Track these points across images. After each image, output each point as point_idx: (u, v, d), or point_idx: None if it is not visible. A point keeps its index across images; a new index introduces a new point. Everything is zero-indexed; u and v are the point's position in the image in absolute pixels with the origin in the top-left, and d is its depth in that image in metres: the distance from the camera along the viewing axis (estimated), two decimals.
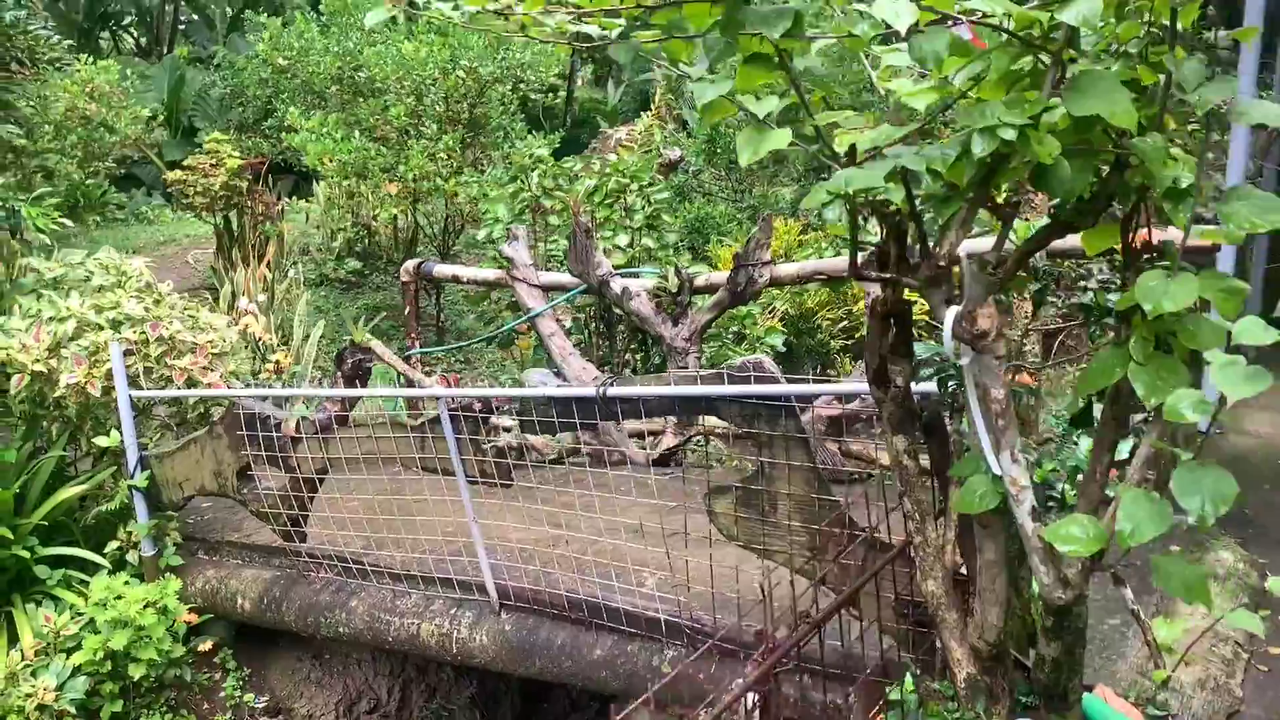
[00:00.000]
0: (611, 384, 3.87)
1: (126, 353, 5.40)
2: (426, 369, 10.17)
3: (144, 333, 5.53)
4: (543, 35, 1.93)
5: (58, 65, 11.15)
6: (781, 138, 1.86)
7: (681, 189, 11.40)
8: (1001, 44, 1.79)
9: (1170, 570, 1.81)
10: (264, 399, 5.10)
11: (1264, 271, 8.25)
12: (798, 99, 1.94)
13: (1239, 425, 6.80)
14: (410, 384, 7.30)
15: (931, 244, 1.87)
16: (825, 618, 2.93)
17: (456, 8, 1.95)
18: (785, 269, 6.36)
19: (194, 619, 5.47)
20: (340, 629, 5.10)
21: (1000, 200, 2.03)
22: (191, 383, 5.55)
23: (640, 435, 6.78)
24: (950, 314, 1.88)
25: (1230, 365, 1.50)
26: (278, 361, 7.82)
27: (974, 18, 1.77)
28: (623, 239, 6.91)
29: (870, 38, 1.71)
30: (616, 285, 6.48)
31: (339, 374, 4.83)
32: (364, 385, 4.87)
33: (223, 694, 5.63)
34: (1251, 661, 4.06)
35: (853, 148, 1.80)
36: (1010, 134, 1.61)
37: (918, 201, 1.89)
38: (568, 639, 4.46)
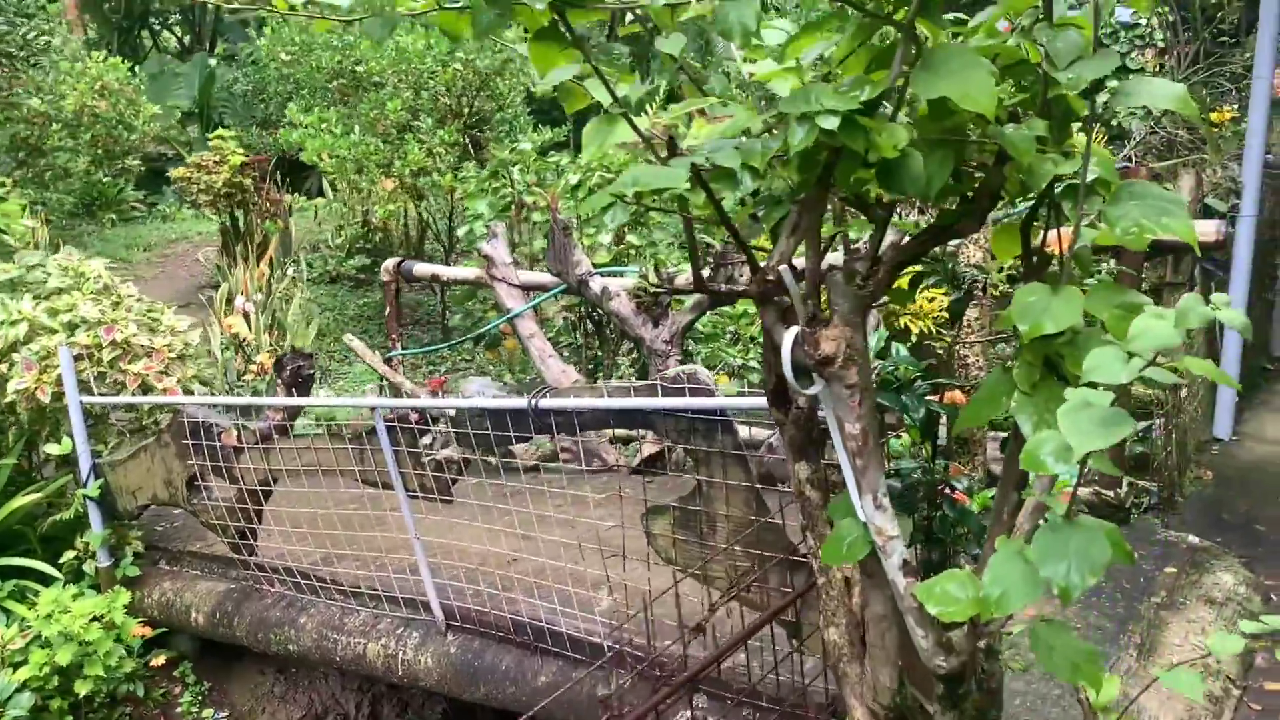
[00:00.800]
0: (544, 395, 3.61)
1: (78, 357, 5.23)
2: (431, 369, 9.99)
3: (97, 336, 5.36)
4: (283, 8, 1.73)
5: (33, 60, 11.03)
6: (627, 130, 1.59)
7: None
8: (853, 16, 1.50)
9: (1051, 643, 1.51)
10: (213, 406, 4.91)
11: None
12: (649, 80, 1.67)
13: (1259, 431, 6.40)
14: (394, 387, 7.10)
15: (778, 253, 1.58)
16: (719, 657, 2.65)
17: None
18: None
19: (147, 632, 5.30)
20: (290, 646, 4.90)
21: (879, 199, 1.74)
22: (146, 388, 5.37)
23: (625, 441, 6.53)
24: (788, 337, 1.60)
25: (1080, 409, 1.20)
26: (261, 363, 7.66)
27: None
28: (606, 236, 6.64)
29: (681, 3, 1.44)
30: (596, 285, 6.21)
31: (279, 381, 4.64)
32: (305, 393, 4.66)
33: (180, 709, 5.46)
34: (1244, 699, 3.71)
35: (671, 141, 1.52)
36: (832, 122, 1.32)
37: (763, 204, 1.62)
38: (513, 664, 4.21)
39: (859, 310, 1.76)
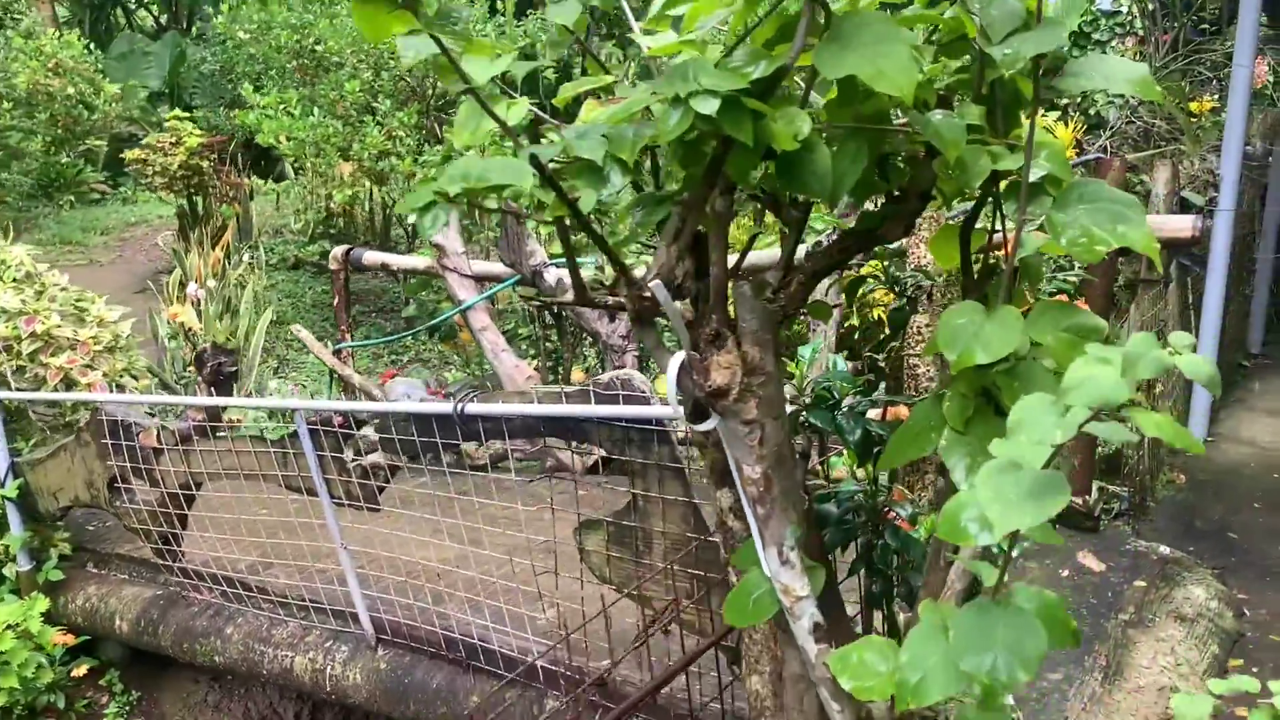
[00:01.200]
0: (471, 399, 3.35)
1: None
2: (394, 358, 9.70)
3: (16, 328, 5.06)
4: None
5: None
6: (515, 110, 1.33)
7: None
8: None
9: None
10: (135, 404, 4.62)
11: (1272, 262, 7.60)
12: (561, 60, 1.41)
13: (1234, 432, 6.20)
14: (343, 381, 6.81)
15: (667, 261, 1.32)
16: (659, 685, 2.41)
17: None
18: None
19: (69, 640, 5.03)
20: (216, 657, 4.64)
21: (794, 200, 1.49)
22: (69, 383, 5.08)
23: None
24: (673, 363, 1.35)
25: (1005, 472, 0.95)
26: (230, 346, 7.36)
27: None
28: None
29: None
30: (550, 276, 5.94)
31: (199, 379, 4.36)
32: (227, 391, 4.38)
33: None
34: None
35: (535, 128, 1.27)
36: (709, 106, 1.07)
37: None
38: (444, 682, 3.96)
39: (770, 327, 1.51)
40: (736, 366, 1.31)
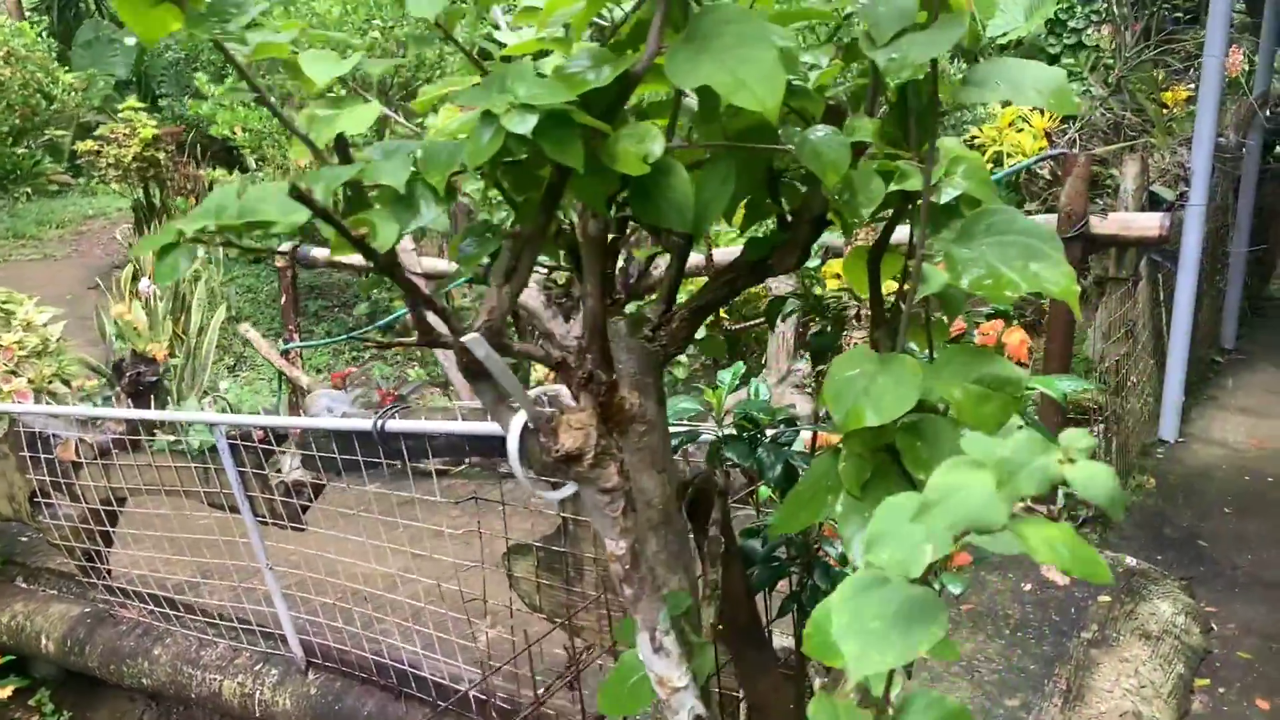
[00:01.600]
0: (393, 415, 3.14)
1: None
2: (355, 356, 9.46)
3: None
4: None
5: None
6: (360, 116, 1.13)
7: None
8: None
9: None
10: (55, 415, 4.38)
11: (1245, 255, 7.45)
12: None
13: (1206, 432, 6.05)
14: (293, 384, 6.59)
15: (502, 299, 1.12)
16: None
17: None
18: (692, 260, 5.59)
19: None
20: (144, 679, 4.42)
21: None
22: None
23: None
24: (514, 424, 1.15)
25: (863, 593, 0.75)
26: (151, 354, 7.11)
27: None
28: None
29: None
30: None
31: (119, 389, 4.14)
32: (149, 402, 4.16)
33: None
34: None
35: (340, 140, 1.07)
36: (524, 125, 0.87)
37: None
38: (376, 709, 3.76)
39: (651, 369, 1.32)
40: (590, 426, 1.12)
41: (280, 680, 4.01)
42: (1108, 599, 3.98)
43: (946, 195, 1.15)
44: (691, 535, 2.10)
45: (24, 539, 5.63)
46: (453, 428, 3.04)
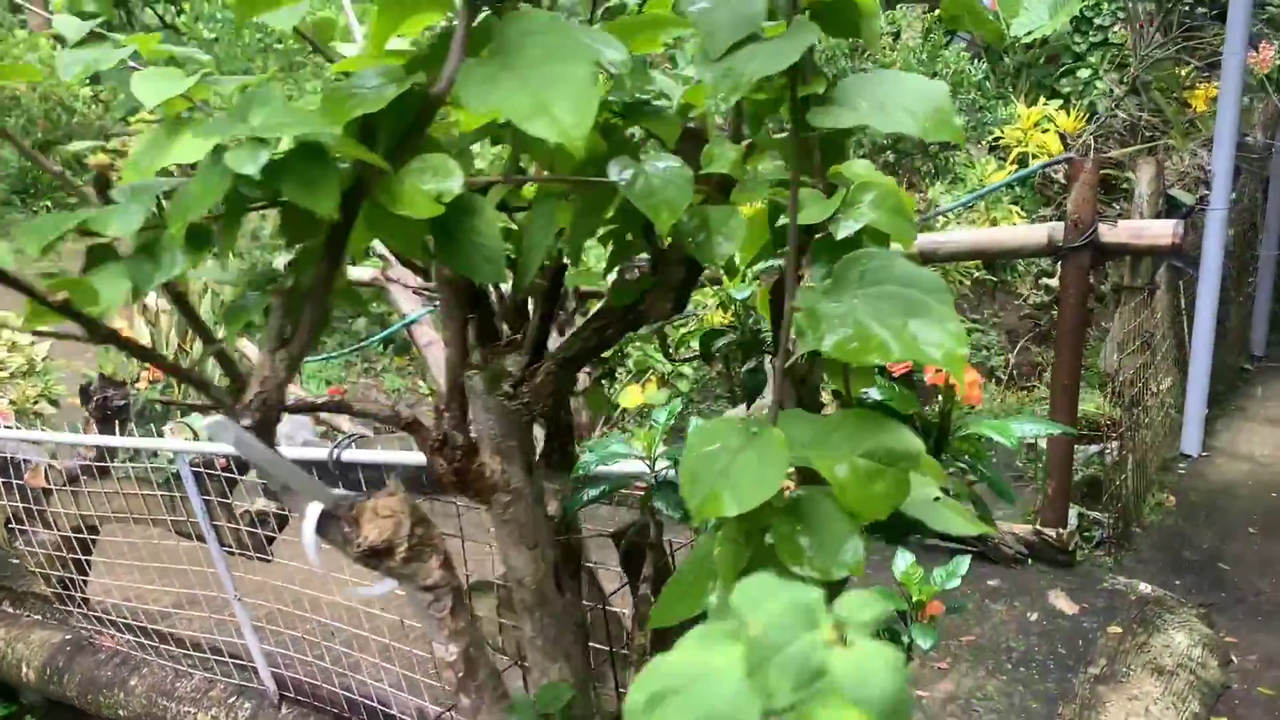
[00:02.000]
0: (350, 445, 2.99)
1: None
2: (366, 368, 9.35)
3: None
4: None
5: None
6: (191, 146, 0.97)
7: None
8: None
9: None
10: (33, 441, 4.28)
11: (1276, 258, 7.16)
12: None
13: (1231, 445, 5.79)
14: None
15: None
16: None
17: None
18: None
19: None
20: (120, 710, 4.30)
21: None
22: None
23: None
24: (310, 512, 0.98)
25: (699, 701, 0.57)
26: (148, 375, 7.03)
27: None
28: None
29: None
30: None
31: (86, 414, 4.04)
32: (119, 427, 4.05)
33: None
34: None
35: (101, 180, 0.91)
36: (250, 165, 0.70)
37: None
38: None
39: (515, 431, 1.15)
40: (402, 514, 0.95)
41: (253, 715, 3.88)
42: (1118, 630, 3.76)
43: (845, 229, 0.98)
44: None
45: (14, 561, 5.55)
46: (410, 459, 2.89)
